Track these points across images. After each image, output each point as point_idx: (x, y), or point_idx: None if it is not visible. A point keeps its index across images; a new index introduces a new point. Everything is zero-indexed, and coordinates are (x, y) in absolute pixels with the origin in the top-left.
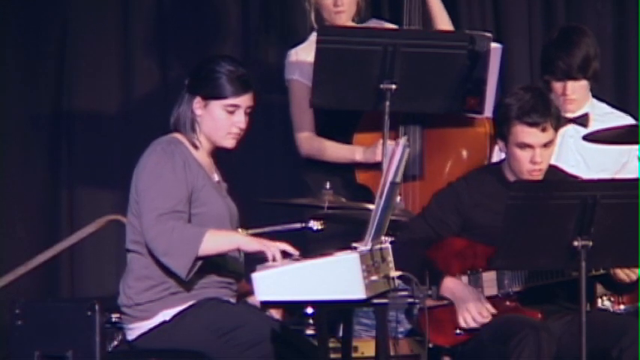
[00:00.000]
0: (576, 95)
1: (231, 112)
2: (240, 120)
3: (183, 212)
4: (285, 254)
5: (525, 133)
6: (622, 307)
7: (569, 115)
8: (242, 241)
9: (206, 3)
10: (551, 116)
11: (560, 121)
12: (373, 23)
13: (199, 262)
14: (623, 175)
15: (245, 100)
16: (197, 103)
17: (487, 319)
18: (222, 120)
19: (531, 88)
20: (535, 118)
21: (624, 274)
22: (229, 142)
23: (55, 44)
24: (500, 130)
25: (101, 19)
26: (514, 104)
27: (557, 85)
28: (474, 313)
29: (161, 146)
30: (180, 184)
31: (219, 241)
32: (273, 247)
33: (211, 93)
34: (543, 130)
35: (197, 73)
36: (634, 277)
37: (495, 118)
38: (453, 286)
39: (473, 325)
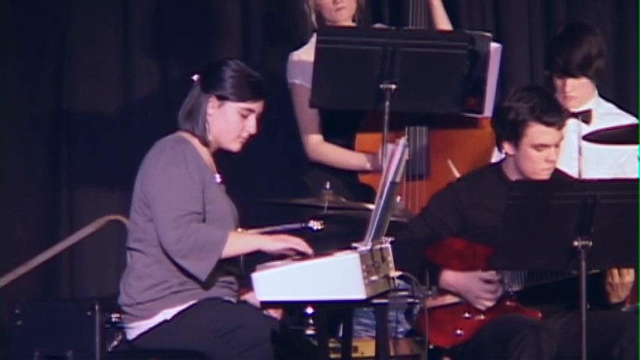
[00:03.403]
0: (576, 93)
1: (245, 116)
2: (251, 125)
3: (201, 213)
4: (297, 253)
5: (543, 133)
6: (622, 307)
7: (572, 110)
8: (263, 242)
9: (206, 4)
10: (563, 113)
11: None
12: (379, 27)
13: None
14: (622, 174)
15: (259, 106)
16: (211, 102)
17: (498, 293)
18: (235, 122)
19: (534, 88)
20: (553, 118)
21: (614, 294)
22: (236, 146)
23: (55, 44)
24: (512, 133)
25: (101, 19)
26: (524, 105)
27: (558, 82)
28: (484, 295)
29: (170, 145)
30: (195, 184)
31: (242, 244)
32: (293, 243)
33: (229, 95)
34: (559, 128)
35: (214, 73)
36: (623, 295)
37: (499, 122)
38: (451, 278)
39: (489, 305)
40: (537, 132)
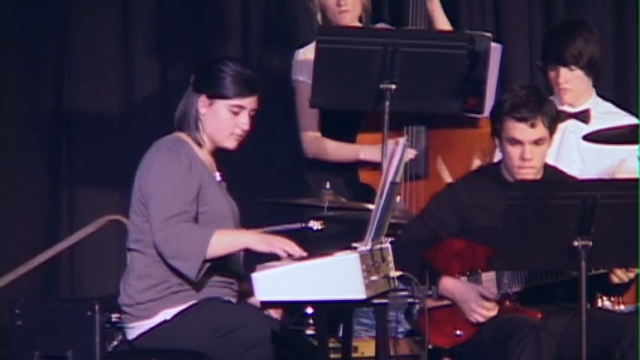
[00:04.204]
0: (570, 85)
1: (236, 113)
2: (244, 122)
3: (191, 212)
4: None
5: (514, 128)
6: (622, 306)
7: (570, 110)
8: (250, 241)
9: (206, 4)
10: (542, 113)
11: (555, 122)
12: (381, 26)
13: (208, 264)
14: (621, 173)
15: (250, 102)
16: (202, 101)
17: (493, 311)
18: (226, 120)
19: (528, 86)
20: (524, 114)
21: (618, 278)
22: (231, 143)
23: (55, 44)
24: (495, 127)
25: (102, 19)
26: (507, 100)
27: (551, 74)
28: (478, 310)
29: (166, 146)
30: (187, 184)
31: (228, 241)
32: (279, 249)
33: (217, 92)
34: (532, 126)
35: (204, 72)
36: (626, 279)
37: (491, 115)
38: (450, 286)
39: (482, 320)
40: (510, 126)
